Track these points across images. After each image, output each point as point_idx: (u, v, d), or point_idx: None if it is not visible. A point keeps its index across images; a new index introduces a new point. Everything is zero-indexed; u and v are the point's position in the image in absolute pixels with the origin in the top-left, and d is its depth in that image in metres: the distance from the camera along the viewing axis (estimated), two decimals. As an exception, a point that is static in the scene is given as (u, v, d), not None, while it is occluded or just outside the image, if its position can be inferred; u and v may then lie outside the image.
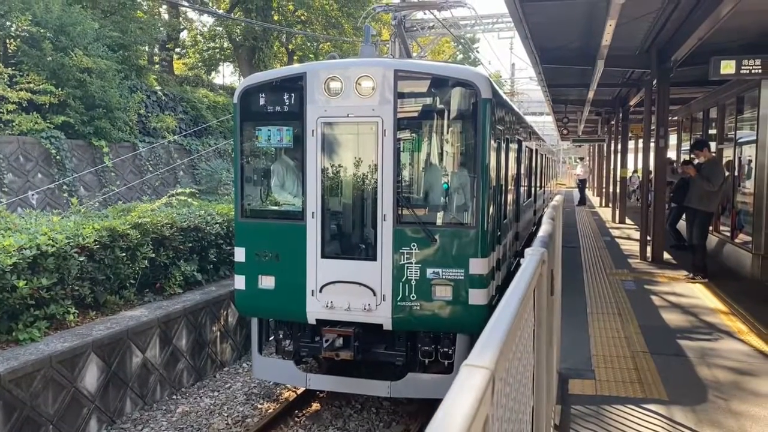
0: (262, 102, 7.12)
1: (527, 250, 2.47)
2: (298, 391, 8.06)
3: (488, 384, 0.93)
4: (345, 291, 6.77)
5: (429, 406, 7.24)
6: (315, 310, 6.87)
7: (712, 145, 12.33)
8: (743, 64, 9.06)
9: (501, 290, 7.53)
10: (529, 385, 2.08)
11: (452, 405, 0.83)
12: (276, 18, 29.05)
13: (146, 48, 24.73)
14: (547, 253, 2.65)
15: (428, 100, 6.81)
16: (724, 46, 9.86)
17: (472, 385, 0.89)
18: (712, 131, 13.82)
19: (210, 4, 29.62)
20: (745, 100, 11.37)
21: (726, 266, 10.97)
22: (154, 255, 8.78)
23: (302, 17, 30.48)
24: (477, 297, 6.50)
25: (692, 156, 11.37)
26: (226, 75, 43.92)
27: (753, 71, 9.07)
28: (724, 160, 12.20)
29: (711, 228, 11.15)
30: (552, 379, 3.71)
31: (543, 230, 3.23)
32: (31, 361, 6.27)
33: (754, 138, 10.39)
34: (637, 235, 14.90)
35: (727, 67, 9.15)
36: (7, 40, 15.81)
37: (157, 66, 27.02)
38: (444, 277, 6.54)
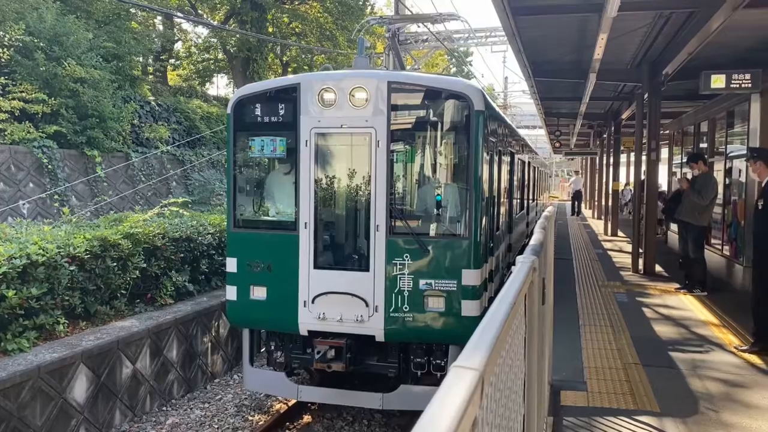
0: (256, 112, 7.13)
1: (518, 258, 2.47)
2: (290, 403, 8.00)
3: (477, 385, 0.93)
4: (337, 302, 6.75)
5: (421, 418, 7.19)
6: (307, 321, 6.85)
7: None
8: (733, 78, 9.17)
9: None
10: (521, 393, 2.07)
11: (441, 403, 0.83)
12: (271, 30, 29.15)
13: (140, 58, 24.73)
14: (538, 261, 2.66)
15: (421, 112, 6.83)
16: (714, 61, 9.98)
17: (462, 385, 0.89)
18: (703, 145, 13.94)
19: (205, 15, 29.71)
20: (735, 114, 11.49)
21: (717, 279, 11.01)
22: (145, 265, 8.73)
23: (297, 29, 30.61)
24: (469, 308, 6.49)
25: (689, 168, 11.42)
26: (221, 86, 43.95)
27: (743, 85, 9.18)
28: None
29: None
30: (543, 389, 3.71)
31: (534, 239, 3.24)
32: (19, 371, 6.21)
33: (744, 152, 10.48)
34: (629, 247, 14.97)
35: (718, 81, 9.25)
36: (0, 50, 15.78)
37: (151, 76, 27.03)
38: (436, 288, 6.54)
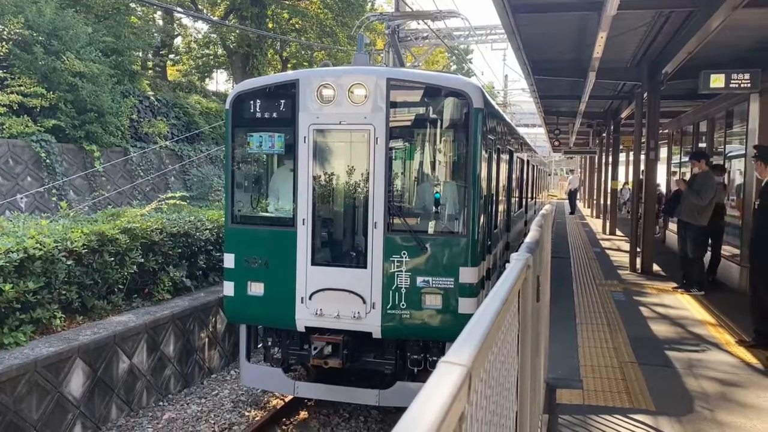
0: (254, 108, 7.11)
1: (513, 255, 2.48)
2: (286, 399, 8.01)
3: (464, 380, 0.93)
4: (335, 298, 6.75)
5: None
6: (304, 317, 6.85)
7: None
8: (732, 78, 9.17)
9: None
10: (513, 390, 2.07)
11: (426, 398, 0.83)
12: (270, 26, 29.11)
13: (140, 53, 24.68)
14: (532, 258, 2.66)
15: (420, 109, 6.83)
16: (714, 60, 9.98)
17: (448, 380, 0.89)
18: (702, 144, 13.95)
19: (205, 11, 29.66)
20: (734, 114, 11.49)
21: (714, 278, 11.00)
22: (143, 260, 8.72)
23: (297, 25, 30.57)
24: (467, 306, 6.49)
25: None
26: (220, 82, 43.93)
27: (742, 85, 9.18)
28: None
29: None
30: (539, 387, 3.71)
31: (530, 237, 3.24)
32: (16, 365, 6.20)
33: (743, 152, 10.48)
34: (627, 246, 14.98)
35: (717, 80, 9.25)
36: (-1, 43, 15.75)
37: (150, 71, 26.97)
38: (434, 285, 6.54)
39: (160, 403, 8.20)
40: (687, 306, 9.12)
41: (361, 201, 6.81)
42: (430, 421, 0.76)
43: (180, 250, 9.60)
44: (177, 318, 8.67)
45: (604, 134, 22.98)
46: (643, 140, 12.42)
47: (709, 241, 10.38)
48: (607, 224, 20.57)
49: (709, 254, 10.57)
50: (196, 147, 21.86)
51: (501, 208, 9.43)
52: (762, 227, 6.79)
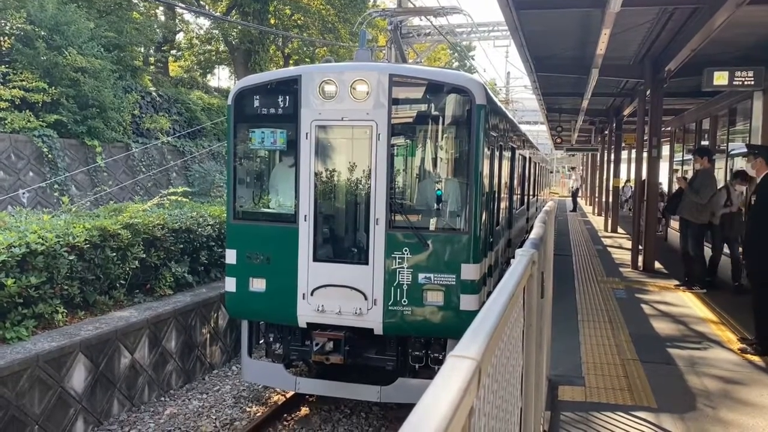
0: (256, 104, 7.11)
1: (518, 251, 2.47)
2: (288, 395, 8.02)
3: (474, 374, 0.92)
4: (336, 295, 6.75)
5: (418, 412, 7.21)
6: (306, 313, 6.85)
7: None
8: (736, 75, 9.14)
9: (492, 296, 7.52)
10: (518, 386, 2.07)
11: (437, 392, 0.83)
12: (272, 22, 29.06)
13: (142, 49, 24.65)
14: (537, 254, 2.65)
15: (423, 106, 6.81)
16: (717, 58, 9.94)
17: (458, 374, 0.88)
18: (705, 142, 13.92)
19: (207, 6, 29.60)
20: (737, 112, 11.45)
21: (716, 276, 10.97)
22: (144, 255, 8.73)
23: (299, 21, 30.50)
24: (468, 303, 6.49)
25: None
26: (222, 78, 43.86)
27: (745, 83, 9.14)
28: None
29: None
30: (541, 383, 3.71)
31: (534, 233, 3.23)
32: (18, 360, 6.21)
33: (746, 150, 10.44)
34: (628, 244, 14.97)
35: (720, 78, 9.22)
36: (1, 38, 15.73)
37: (152, 67, 26.94)
38: (435, 282, 6.54)
39: (162, 399, 8.21)
40: (689, 304, 9.11)
41: (363, 197, 6.80)
42: (440, 415, 0.76)
43: (182, 246, 9.61)
44: (179, 313, 8.68)
45: (607, 132, 22.93)
46: (646, 138, 12.39)
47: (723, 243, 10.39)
48: (609, 222, 20.54)
49: (709, 252, 10.55)
50: (198, 143, 21.85)
51: (503, 205, 9.41)
52: (757, 223, 6.79)
